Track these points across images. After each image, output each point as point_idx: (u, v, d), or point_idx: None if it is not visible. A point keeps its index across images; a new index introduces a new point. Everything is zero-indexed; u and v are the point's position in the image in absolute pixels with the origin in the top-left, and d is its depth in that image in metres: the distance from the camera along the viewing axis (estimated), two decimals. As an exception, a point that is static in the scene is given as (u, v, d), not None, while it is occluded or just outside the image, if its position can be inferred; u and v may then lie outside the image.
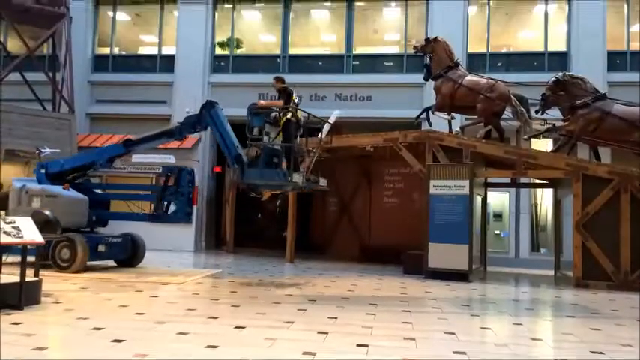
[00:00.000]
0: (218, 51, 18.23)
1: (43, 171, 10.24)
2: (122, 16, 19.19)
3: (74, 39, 16.75)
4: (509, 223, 15.99)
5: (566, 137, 11.39)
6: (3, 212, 6.15)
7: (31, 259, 6.04)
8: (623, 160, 11.92)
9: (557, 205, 13.56)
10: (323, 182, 9.41)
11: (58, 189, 9.83)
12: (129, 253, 10.42)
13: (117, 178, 14.83)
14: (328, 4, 18.40)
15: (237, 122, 10.22)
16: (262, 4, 18.69)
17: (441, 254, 10.36)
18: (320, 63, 17.96)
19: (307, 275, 10.49)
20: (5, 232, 5.61)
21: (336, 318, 6.02)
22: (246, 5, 18.61)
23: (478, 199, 12.22)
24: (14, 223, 5.85)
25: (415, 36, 17.02)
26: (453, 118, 12.45)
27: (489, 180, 13.17)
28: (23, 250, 5.95)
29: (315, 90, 16.72)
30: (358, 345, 4.74)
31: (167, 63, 18.02)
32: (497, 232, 16.29)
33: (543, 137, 12.63)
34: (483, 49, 16.85)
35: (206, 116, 9.15)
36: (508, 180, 13.28)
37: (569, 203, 11.04)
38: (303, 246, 15.31)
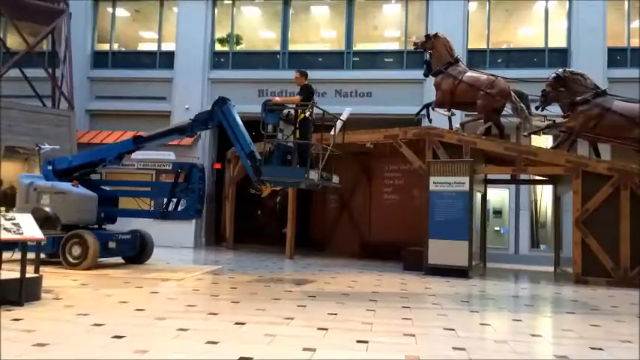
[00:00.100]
0: (218, 47, 18.21)
1: (50, 167, 10.15)
2: (121, 12, 19.15)
3: (73, 35, 16.71)
4: (509, 219, 16.01)
5: (566, 134, 11.38)
6: (3, 209, 6.14)
7: (31, 255, 6.03)
8: (623, 156, 11.91)
9: (557, 201, 13.56)
10: (336, 179, 9.42)
11: (67, 185, 9.76)
12: (137, 250, 10.38)
13: (115, 175, 14.80)
14: (328, 0, 18.36)
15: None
16: (262, 0, 18.65)
17: (441, 251, 10.36)
18: (320, 59, 17.93)
19: (307, 272, 10.50)
20: (5, 229, 5.61)
21: (336, 314, 6.03)
22: (246, 1, 18.58)
23: (478, 196, 12.21)
24: (14, 219, 5.85)
25: (415, 32, 17.00)
26: (453, 114, 12.44)
27: (489, 176, 13.17)
28: (23, 246, 5.96)
29: (314, 86, 16.24)
30: (358, 341, 4.74)
31: (167, 59, 17.99)
32: (497, 228, 16.30)
33: (543, 134, 12.61)
34: (484, 46, 16.83)
35: (218, 113, 9.06)
36: (508, 176, 13.29)
37: (569, 200, 11.05)
38: (303, 242, 15.31)
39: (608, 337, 5.40)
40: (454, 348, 4.64)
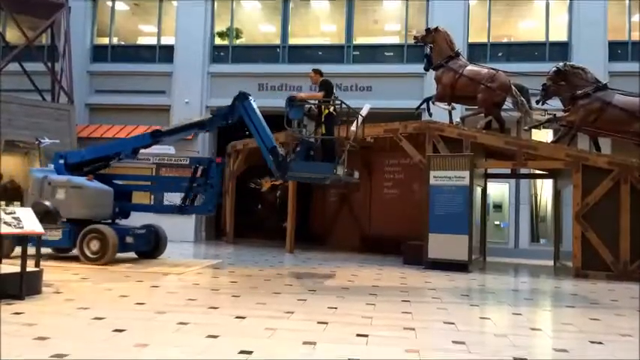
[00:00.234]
0: (217, 41, 18.16)
1: (62, 161, 9.97)
2: (121, 5, 19.09)
3: (73, 29, 16.68)
4: (509, 213, 16.02)
5: (567, 128, 11.36)
6: (3, 203, 6.14)
7: (31, 251, 6.04)
8: (624, 150, 11.91)
9: (557, 195, 13.56)
10: (356, 174, 9.45)
11: (82, 180, 9.62)
12: (152, 245, 10.32)
13: (118, 169, 14.73)
14: (328, -7, 18.31)
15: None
16: (262, -6, 18.60)
17: (441, 245, 10.37)
18: (320, 53, 17.88)
19: (307, 266, 10.51)
20: (5, 223, 5.62)
21: (336, 308, 6.04)
22: (246, -5, 18.52)
23: (478, 190, 12.21)
24: (14, 213, 5.85)
25: (416, 26, 16.93)
26: (453, 108, 12.41)
27: (489, 171, 13.15)
28: (24, 240, 5.96)
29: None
30: (358, 335, 4.75)
31: (166, 53, 17.95)
32: (497, 222, 16.32)
33: (544, 128, 12.61)
34: (484, 39, 16.77)
35: (239, 108, 8.99)
36: (508, 171, 13.28)
37: (569, 194, 11.04)
38: (303, 236, 15.33)
39: (607, 330, 5.41)
40: (454, 342, 4.65)
